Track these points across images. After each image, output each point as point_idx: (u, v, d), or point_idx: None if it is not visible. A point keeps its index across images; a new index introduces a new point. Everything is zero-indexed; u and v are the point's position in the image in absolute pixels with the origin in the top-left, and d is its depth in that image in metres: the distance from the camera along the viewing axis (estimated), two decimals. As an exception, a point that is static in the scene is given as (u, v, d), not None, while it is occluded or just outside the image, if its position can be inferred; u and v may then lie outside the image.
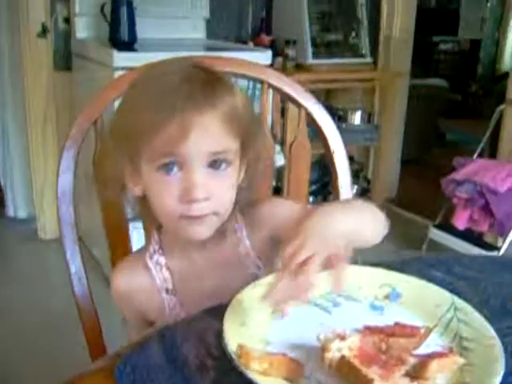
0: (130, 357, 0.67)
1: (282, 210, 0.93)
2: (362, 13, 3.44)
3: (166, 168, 0.79)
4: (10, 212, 3.35)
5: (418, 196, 3.93)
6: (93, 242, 2.69)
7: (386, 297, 0.79)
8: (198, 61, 0.86)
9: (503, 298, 0.81)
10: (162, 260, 0.91)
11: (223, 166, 0.81)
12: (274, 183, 2.79)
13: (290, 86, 1.25)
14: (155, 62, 0.89)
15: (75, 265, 1.13)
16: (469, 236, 2.95)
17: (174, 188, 0.79)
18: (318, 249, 0.68)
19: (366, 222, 0.80)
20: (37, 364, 2.06)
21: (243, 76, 1.28)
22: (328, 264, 0.67)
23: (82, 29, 2.96)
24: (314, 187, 3.35)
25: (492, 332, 0.68)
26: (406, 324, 0.71)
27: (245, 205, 0.92)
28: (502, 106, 3.12)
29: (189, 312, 0.86)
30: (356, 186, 3.57)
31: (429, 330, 0.69)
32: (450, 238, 2.97)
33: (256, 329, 0.70)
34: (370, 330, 0.70)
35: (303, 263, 0.67)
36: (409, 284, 0.80)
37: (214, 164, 0.80)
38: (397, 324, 0.71)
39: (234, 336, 0.66)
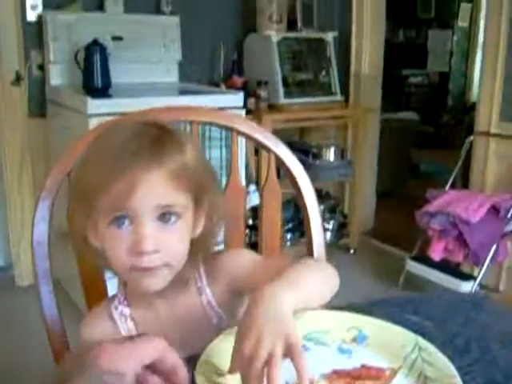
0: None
1: (242, 261, 0.95)
2: (331, 51, 3.53)
3: (117, 222, 0.81)
4: (-13, 260, 3.33)
5: (395, 228, 3.98)
6: (71, 286, 2.67)
7: (354, 340, 0.81)
8: (154, 118, 0.90)
9: (467, 336, 0.83)
10: (127, 311, 0.93)
11: (172, 219, 0.83)
12: (250, 222, 2.82)
13: (260, 133, 1.29)
14: (115, 119, 0.92)
15: (51, 314, 1.14)
16: (445, 267, 2.99)
17: (124, 241, 0.82)
18: (274, 340, 0.67)
19: (314, 287, 0.82)
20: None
21: (212, 124, 1.32)
22: (286, 352, 0.67)
23: (57, 76, 3.00)
24: (290, 225, 3.39)
25: (454, 371, 0.70)
26: (372, 366, 0.73)
27: (208, 255, 0.95)
28: (471, 138, 3.20)
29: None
30: (333, 221, 3.61)
31: (394, 372, 0.72)
32: (426, 269, 3.00)
33: (229, 378, 0.72)
34: (337, 373, 0.72)
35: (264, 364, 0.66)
36: (375, 326, 0.82)
37: (163, 217, 0.83)
38: (363, 366, 0.73)
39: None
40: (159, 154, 0.81)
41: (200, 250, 0.92)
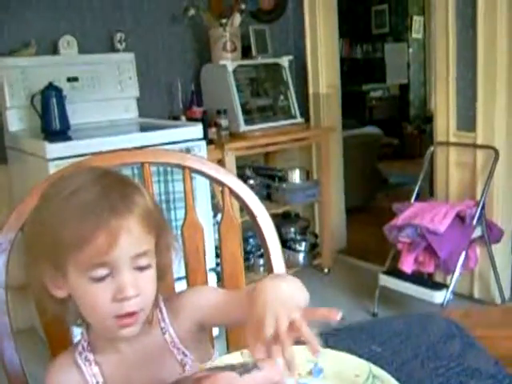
0: None
1: (205, 294, 0.97)
2: (287, 75, 3.57)
3: (98, 277, 0.82)
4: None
5: (367, 243, 4.01)
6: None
7: (309, 373, 0.82)
8: (99, 167, 0.92)
9: (422, 357, 0.84)
10: (91, 356, 0.93)
11: (146, 266, 0.86)
12: (214, 263, 2.80)
13: (210, 168, 1.30)
14: (64, 174, 0.92)
15: (13, 368, 1.13)
16: (418, 278, 3.02)
17: (106, 292, 0.83)
18: (289, 313, 0.72)
19: (297, 290, 0.84)
20: None
21: (164, 164, 1.33)
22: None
23: (14, 121, 2.99)
24: (261, 250, 3.39)
25: (406, 398, 0.71)
26: None
27: (168, 291, 0.96)
28: (431, 148, 3.26)
29: None
30: (304, 243, 3.63)
31: None
32: (399, 282, 3.02)
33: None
34: None
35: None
36: (329, 357, 0.82)
37: (139, 266, 0.85)
38: None
39: None
40: (129, 201, 0.84)
41: (161, 288, 0.93)
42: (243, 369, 0.57)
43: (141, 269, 0.85)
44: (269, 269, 1.30)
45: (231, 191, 1.29)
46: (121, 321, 0.85)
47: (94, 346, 0.94)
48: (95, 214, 0.81)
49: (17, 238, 1.16)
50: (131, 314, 0.85)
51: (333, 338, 0.92)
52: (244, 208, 1.32)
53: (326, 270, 3.67)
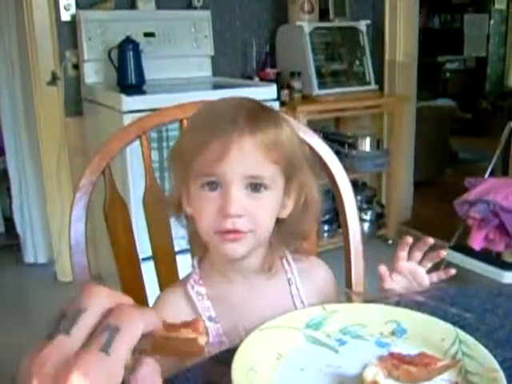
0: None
1: (331, 281, 1.05)
2: (364, 40, 3.48)
3: (208, 186, 0.86)
4: (30, 258, 3.40)
5: (434, 217, 3.92)
6: (112, 282, 2.72)
7: (392, 333, 0.80)
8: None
9: (509, 329, 0.81)
10: (203, 290, 0.94)
11: (261, 189, 0.87)
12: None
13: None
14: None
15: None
16: (486, 256, 2.93)
17: (212, 204, 0.86)
18: None
19: None
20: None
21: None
22: None
23: (91, 74, 3.04)
24: (327, 216, 3.37)
25: (496, 365, 0.68)
26: (429, 355, 0.71)
27: (293, 242, 0.99)
28: (510, 124, 3.13)
29: (232, 341, 0.88)
30: (370, 212, 3.58)
31: (446, 366, 0.70)
32: (466, 259, 2.95)
33: (264, 373, 0.71)
34: (392, 355, 0.71)
35: None
36: (413, 319, 0.80)
37: (252, 186, 0.87)
38: (421, 354, 0.72)
39: (243, 382, 0.68)
40: (254, 123, 0.86)
41: (286, 233, 0.95)
42: (68, 322, 0.45)
43: (254, 190, 0.86)
44: (344, 231, 1.28)
45: (310, 148, 1.27)
46: (224, 235, 0.86)
47: (205, 281, 0.95)
48: (217, 124, 0.85)
49: (98, 180, 1.18)
50: (236, 231, 0.86)
51: (414, 302, 0.89)
52: (322, 168, 1.30)
53: (390, 242, 3.62)
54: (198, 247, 0.97)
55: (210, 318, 0.92)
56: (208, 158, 0.84)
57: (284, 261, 0.99)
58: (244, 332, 0.83)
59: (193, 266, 0.97)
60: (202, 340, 0.49)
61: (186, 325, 0.48)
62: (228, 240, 0.86)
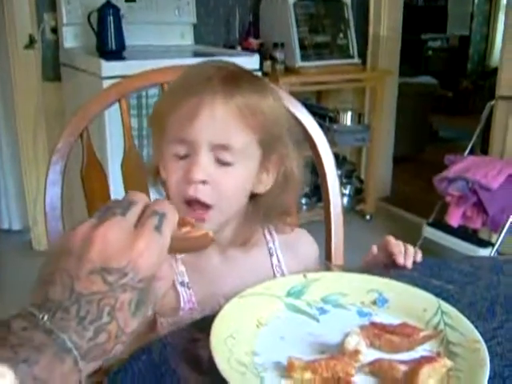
0: (118, 372, 0.67)
1: (315, 253, 1.03)
2: (349, 13, 3.44)
3: (178, 152, 0.84)
4: (5, 224, 3.34)
5: (412, 194, 3.94)
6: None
7: (373, 302, 0.79)
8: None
9: (490, 300, 0.81)
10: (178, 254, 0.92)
11: (228, 162, 0.83)
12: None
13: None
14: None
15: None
16: (463, 233, 2.96)
17: (180, 169, 0.83)
18: None
19: None
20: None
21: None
22: None
23: (70, 39, 2.96)
24: (306, 189, 3.36)
25: (477, 335, 0.68)
26: (411, 325, 0.71)
27: (273, 215, 0.95)
28: (491, 102, 3.13)
29: (203, 309, 0.87)
30: (349, 187, 3.58)
31: (428, 337, 0.69)
32: (444, 235, 2.97)
33: (243, 341, 0.70)
34: (373, 325, 0.71)
35: None
36: (395, 289, 0.80)
37: (220, 158, 0.83)
38: (403, 324, 0.71)
39: (222, 349, 0.66)
40: (231, 85, 0.82)
41: (264, 209, 0.91)
42: (121, 209, 0.54)
43: (221, 163, 0.83)
44: (326, 204, 1.26)
45: (295, 119, 1.25)
46: (193, 211, 0.83)
47: None
48: (191, 82, 0.82)
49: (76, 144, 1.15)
50: (203, 206, 0.83)
51: (396, 271, 0.88)
52: (306, 139, 1.28)
53: (368, 217, 3.63)
54: None
55: (183, 284, 0.90)
56: (179, 118, 0.82)
57: (266, 231, 0.97)
58: (217, 300, 0.82)
59: None
60: (211, 232, 0.60)
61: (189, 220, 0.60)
62: (197, 217, 0.83)
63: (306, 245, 1.02)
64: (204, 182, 0.82)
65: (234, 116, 0.81)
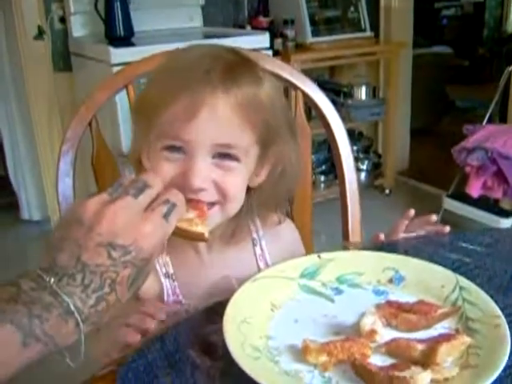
0: (132, 362, 0.66)
1: (300, 246, 0.99)
2: (359, -15, 3.38)
3: (171, 149, 0.77)
4: (25, 215, 3.37)
5: (430, 166, 3.89)
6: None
7: (390, 281, 0.77)
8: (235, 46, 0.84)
9: (511, 274, 0.79)
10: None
11: (231, 160, 0.78)
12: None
13: (284, 69, 1.23)
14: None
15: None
16: (484, 204, 2.92)
17: (173, 166, 0.76)
18: None
19: None
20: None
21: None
22: None
23: (78, 27, 2.95)
24: (323, 167, 3.33)
25: (497, 311, 0.66)
26: (428, 303, 0.69)
27: (264, 210, 0.92)
28: (510, 68, 3.06)
29: (189, 300, 0.86)
30: (367, 162, 3.54)
31: (445, 314, 0.68)
32: (464, 207, 2.93)
33: (257, 325, 0.69)
34: (389, 304, 0.69)
35: None
36: (411, 266, 0.78)
37: (221, 156, 0.77)
38: (420, 302, 0.70)
39: (235, 334, 0.65)
40: (231, 79, 0.75)
41: (257, 201, 0.87)
42: (135, 190, 0.58)
43: (222, 160, 0.77)
44: (340, 180, 1.25)
45: (304, 95, 1.23)
46: (196, 203, 0.76)
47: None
48: (187, 74, 0.75)
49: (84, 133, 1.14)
50: (199, 201, 0.76)
51: (412, 248, 0.86)
52: (317, 114, 1.26)
53: (387, 191, 3.59)
54: None
55: (167, 275, 0.87)
56: (173, 115, 0.74)
57: (250, 221, 0.92)
58: (201, 292, 0.82)
59: None
60: (207, 234, 0.69)
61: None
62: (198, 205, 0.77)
63: (290, 232, 0.99)
64: (204, 189, 0.76)
65: (235, 112, 0.75)
